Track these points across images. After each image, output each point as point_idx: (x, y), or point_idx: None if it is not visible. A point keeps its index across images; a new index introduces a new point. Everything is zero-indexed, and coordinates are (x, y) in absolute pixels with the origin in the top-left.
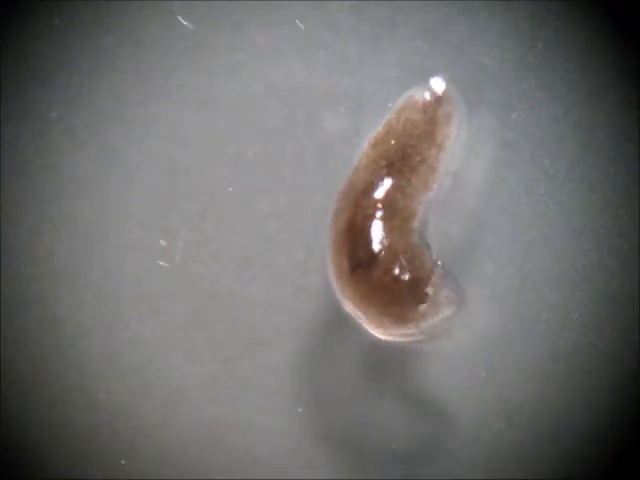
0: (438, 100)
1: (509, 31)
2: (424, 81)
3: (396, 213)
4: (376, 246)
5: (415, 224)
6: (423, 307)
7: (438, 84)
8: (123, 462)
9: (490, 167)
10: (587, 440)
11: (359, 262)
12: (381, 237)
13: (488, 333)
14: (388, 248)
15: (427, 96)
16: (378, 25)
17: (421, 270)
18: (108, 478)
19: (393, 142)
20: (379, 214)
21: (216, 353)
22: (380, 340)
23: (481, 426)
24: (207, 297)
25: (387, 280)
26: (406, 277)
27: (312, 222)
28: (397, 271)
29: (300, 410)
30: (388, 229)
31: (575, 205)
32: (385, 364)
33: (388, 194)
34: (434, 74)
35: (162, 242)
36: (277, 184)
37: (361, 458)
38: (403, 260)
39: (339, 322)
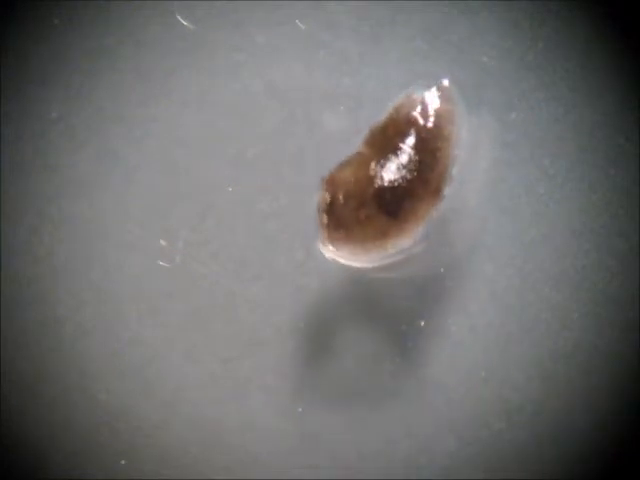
0: (438, 99)
1: (509, 31)
2: (424, 81)
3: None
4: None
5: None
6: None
7: (438, 83)
8: (123, 462)
9: (490, 167)
10: (587, 440)
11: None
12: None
13: (488, 333)
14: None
15: (426, 95)
16: (378, 25)
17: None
18: (108, 478)
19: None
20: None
21: (216, 353)
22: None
23: (481, 426)
24: (207, 297)
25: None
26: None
27: (312, 222)
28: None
29: (300, 410)
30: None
31: (575, 205)
32: (385, 364)
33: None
34: (434, 74)
35: (162, 242)
36: (277, 184)
37: (361, 458)
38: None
39: (339, 321)
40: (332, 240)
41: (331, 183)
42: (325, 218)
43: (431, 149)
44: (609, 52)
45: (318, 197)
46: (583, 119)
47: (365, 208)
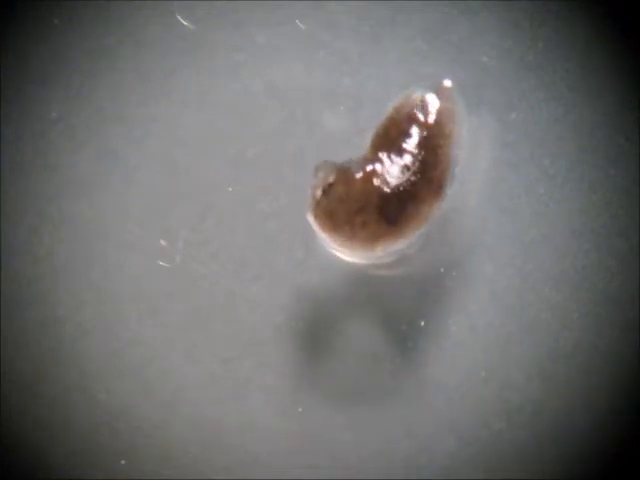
0: (438, 98)
1: (509, 31)
2: (424, 81)
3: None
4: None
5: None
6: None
7: (438, 84)
8: (123, 462)
9: (490, 167)
10: (587, 440)
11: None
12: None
13: (488, 333)
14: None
15: (427, 95)
16: (378, 25)
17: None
18: (108, 478)
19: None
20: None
21: (216, 353)
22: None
23: (481, 426)
24: (207, 297)
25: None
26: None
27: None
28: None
29: (300, 410)
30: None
31: (575, 205)
32: (385, 364)
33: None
34: (434, 74)
35: (162, 242)
36: (277, 184)
37: (360, 458)
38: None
39: (339, 322)
40: (316, 216)
41: (337, 171)
42: (319, 193)
43: (433, 147)
44: (609, 52)
45: (318, 174)
46: (583, 119)
47: (364, 214)
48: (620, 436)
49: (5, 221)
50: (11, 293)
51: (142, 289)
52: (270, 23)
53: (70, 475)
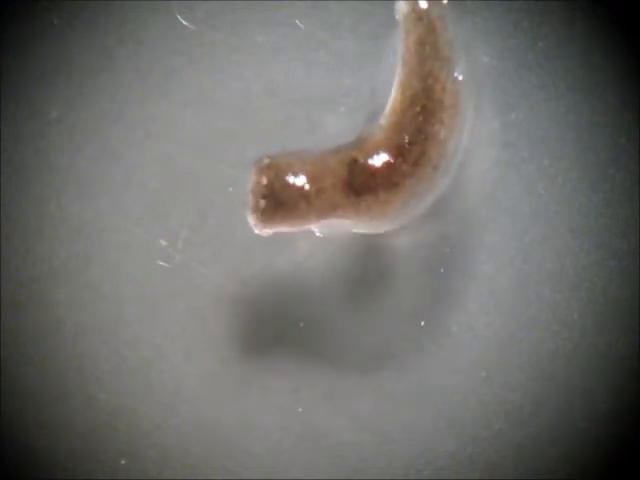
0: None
1: (509, 31)
2: None
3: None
4: None
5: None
6: None
7: None
8: (123, 462)
9: (490, 167)
10: (587, 440)
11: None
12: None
13: (488, 333)
14: None
15: (417, 5)
16: (378, 25)
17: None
18: (108, 478)
19: (415, 82)
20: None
21: (216, 353)
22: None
23: (481, 426)
24: (207, 297)
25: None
26: None
27: None
28: None
29: (300, 410)
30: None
31: (575, 205)
32: (385, 364)
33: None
34: None
35: (162, 242)
36: None
37: (361, 458)
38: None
39: (339, 322)
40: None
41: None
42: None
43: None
44: (609, 52)
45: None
46: (583, 119)
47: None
48: (620, 436)
49: (5, 221)
50: (11, 293)
51: (142, 289)
52: (270, 23)
53: (70, 475)
